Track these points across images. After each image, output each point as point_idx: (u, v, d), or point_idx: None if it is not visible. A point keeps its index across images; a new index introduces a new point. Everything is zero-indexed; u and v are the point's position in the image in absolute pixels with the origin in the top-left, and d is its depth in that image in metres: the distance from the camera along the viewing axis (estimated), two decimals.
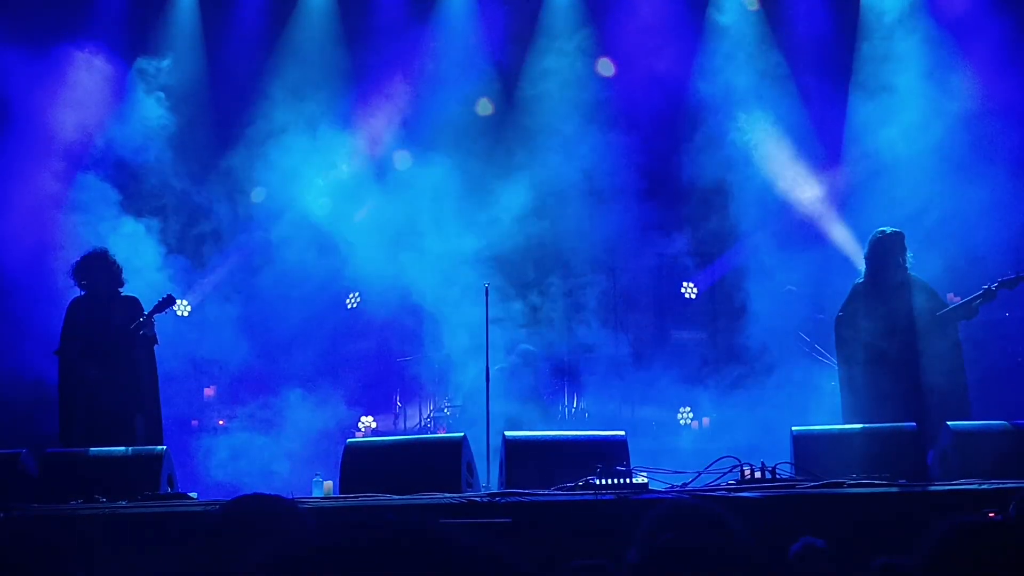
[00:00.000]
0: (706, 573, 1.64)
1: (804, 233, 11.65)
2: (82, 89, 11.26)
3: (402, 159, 12.01)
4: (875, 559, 2.80)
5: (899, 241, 8.25)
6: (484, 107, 12.35)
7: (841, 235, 11.43)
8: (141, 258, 10.13)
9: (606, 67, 12.26)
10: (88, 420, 8.15)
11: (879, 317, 8.21)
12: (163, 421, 8.61)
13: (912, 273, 8.35)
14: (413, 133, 12.00)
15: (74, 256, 8.70)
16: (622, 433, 7.32)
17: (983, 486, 6.05)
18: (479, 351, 9.32)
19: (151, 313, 8.26)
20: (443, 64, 12.26)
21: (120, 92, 11.57)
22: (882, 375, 8.12)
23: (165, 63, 11.61)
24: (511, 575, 1.35)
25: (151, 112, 11.50)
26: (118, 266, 8.46)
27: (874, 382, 8.12)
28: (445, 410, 11.21)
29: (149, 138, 11.50)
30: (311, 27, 12.53)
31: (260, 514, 2.57)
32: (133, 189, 11.17)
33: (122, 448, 7.64)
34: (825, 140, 11.87)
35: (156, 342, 8.42)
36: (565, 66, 12.19)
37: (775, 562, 4.13)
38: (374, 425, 11.03)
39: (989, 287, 8.08)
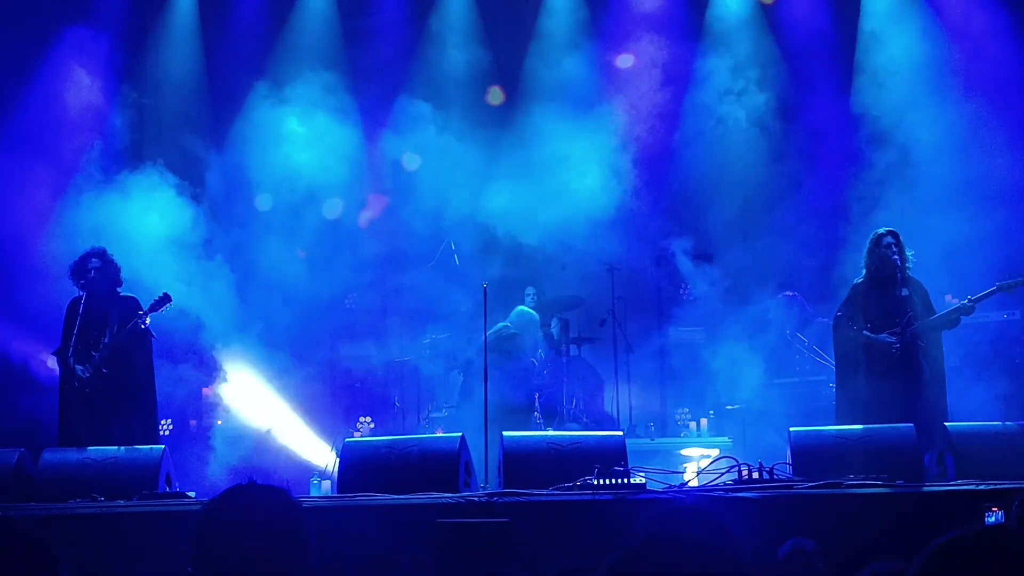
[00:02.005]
0: (689, 569, 1.63)
1: (805, 235, 11.66)
2: (78, 81, 11.27)
3: (410, 160, 12.05)
4: (868, 563, 2.79)
5: (896, 240, 8.28)
6: (495, 96, 12.41)
7: (843, 237, 11.44)
8: (139, 256, 10.12)
9: (624, 61, 12.28)
10: (85, 420, 8.17)
11: (877, 317, 8.25)
12: (159, 420, 8.62)
13: (911, 274, 8.37)
14: (415, 125, 12.04)
15: (72, 254, 8.70)
16: (620, 433, 7.33)
17: (980, 487, 6.06)
18: None
19: (147, 312, 8.27)
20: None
21: (116, 86, 11.59)
22: (878, 375, 8.18)
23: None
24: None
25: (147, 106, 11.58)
26: (116, 265, 8.45)
27: (870, 382, 8.18)
28: (444, 411, 11.20)
29: (146, 132, 11.54)
30: (310, 23, 12.56)
31: (254, 506, 2.55)
32: (131, 184, 11.16)
33: (120, 448, 7.64)
34: (829, 138, 11.88)
35: (153, 335, 8.43)
36: (566, 62, 12.24)
37: (770, 563, 4.13)
38: (372, 425, 11.03)
39: (967, 301, 8.17)
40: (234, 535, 2.47)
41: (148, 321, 8.29)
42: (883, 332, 8.20)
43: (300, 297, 11.71)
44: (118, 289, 8.45)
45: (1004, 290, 8.19)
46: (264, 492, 2.61)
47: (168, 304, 8.42)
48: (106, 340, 8.23)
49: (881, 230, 8.43)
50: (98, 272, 8.32)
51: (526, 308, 10.83)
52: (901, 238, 8.34)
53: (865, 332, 8.24)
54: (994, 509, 5.31)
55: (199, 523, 2.59)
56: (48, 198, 10.84)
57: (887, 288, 8.27)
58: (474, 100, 12.27)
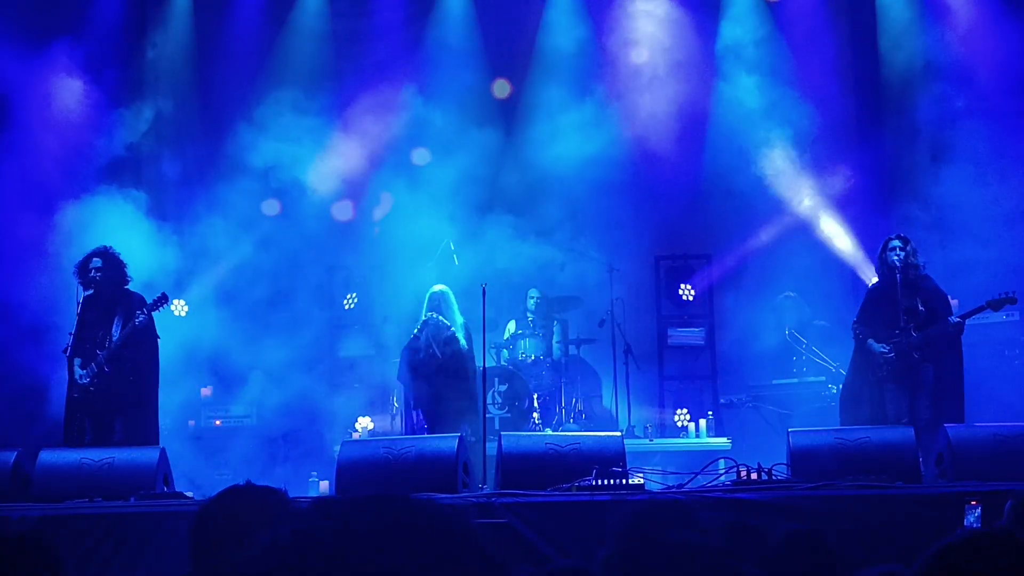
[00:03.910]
0: (672, 569, 1.63)
1: (807, 237, 11.66)
2: (74, 85, 11.27)
3: (421, 155, 12.07)
4: (866, 566, 2.77)
5: (903, 246, 8.34)
6: (501, 88, 12.42)
7: (846, 242, 11.47)
8: (139, 255, 10.13)
9: (637, 55, 12.29)
10: (89, 419, 8.22)
11: (882, 324, 8.37)
12: (159, 420, 8.65)
13: (926, 275, 8.47)
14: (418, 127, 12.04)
15: (70, 253, 8.73)
16: (619, 434, 7.33)
17: (979, 488, 6.05)
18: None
19: (145, 310, 8.33)
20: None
21: (114, 89, 11.60)
22: (876, 381, 8.32)
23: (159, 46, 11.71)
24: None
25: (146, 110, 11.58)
26: (121, 263, 8.49)
27: (870, 388, 8.32)
28: None
29: (145, 134, 11.55)
30: (307, 25, 12.57)
31: (248, 507, 2.55)
32: (131, 184, 11.17)
33: (118, 447, 7.65)
34: (832, 139, 11.89)
35: (157, 336, 8.47)
36: (569, 61, 12.24)
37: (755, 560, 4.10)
38: (371, 426, 11.02)
39: (954, 319, 8.28)
40: (230, 534, 2.47)
41: (144, 318, 8.31)
42: (885, 339, 8.29)
43: (300, 297, 11.72)
44: (126, 287, 8.49)
45: (992, 307, 8.31)
46: (260, 492, 2.62)
47: (166, 303, 8.46)
48: (110, 338, 8.27)
49: (892, 235, 8.52)
50: (100, 271, 8.36)
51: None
52: (911, 243, 8.40)
53: (870, 340, 8.37)
54: (973, 503, 5.30)
55: (196, 523, 2.59)
56: (42, 198, 10.86)
57: (894, 294, 8.32)
58: (474, 96, 12.26)
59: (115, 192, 10.82)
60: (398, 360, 9.89)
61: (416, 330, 9.13)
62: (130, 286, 8.56)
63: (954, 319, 8.27)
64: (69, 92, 11.23)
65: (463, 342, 9.20)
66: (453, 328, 9.19)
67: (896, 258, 8.28)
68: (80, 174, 11.00)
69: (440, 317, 9.19)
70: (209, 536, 2.55)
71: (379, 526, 1.34)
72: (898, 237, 8.44)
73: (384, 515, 1.35)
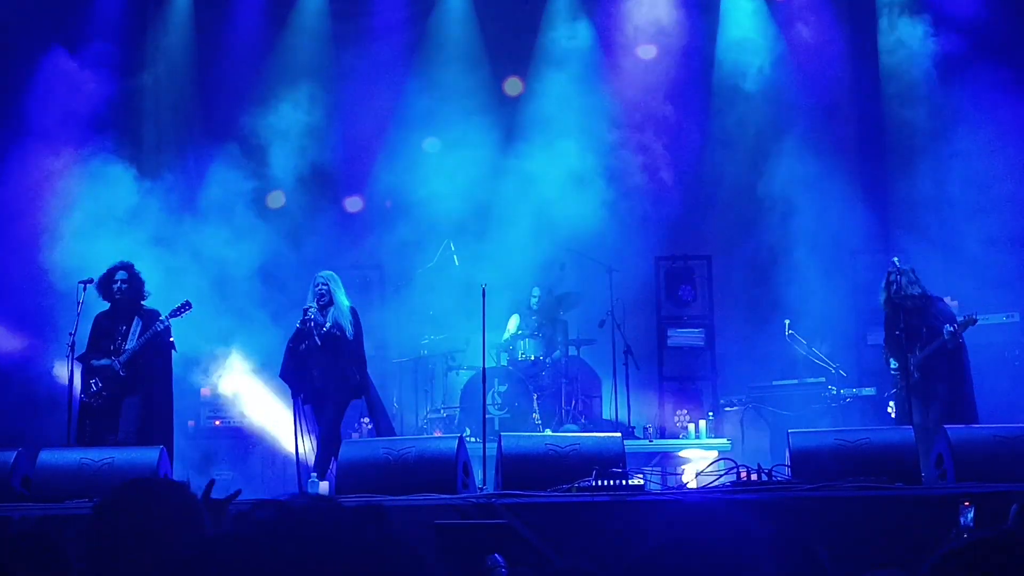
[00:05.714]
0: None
1: (807, 236, 11.65)
2: (73, 77, 11.29)
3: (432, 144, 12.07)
4: (866, 567, 2.77)
5: (898, 270, 8.67)
6: (513, 86, 12.45)
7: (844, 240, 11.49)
8: (142, 258, 10.14)
9: (647, 51, 12.30)
10: (99, 423, 8.28)
11: (893, 344, 8.75)
12: (172, 425, 8.71)
13: (934, 297, 8.84)
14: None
15: (73, 258, 8.79)
16: (618, 435, 7.33)
17: (979, 490, 6.05)
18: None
19: (168, 316, 8.46)
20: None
21: (114, 85, 11.61)
22: (896, 395, 8.90)
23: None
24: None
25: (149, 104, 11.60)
26: (141, 280, 8.61)
27: (898, 397, 8.83)
28: (442, 412, 11.19)
29: (145, 127, 11.57)
30: (306, 26, 12.58)
31: (151, 504, 2.42)
32: (132, 182, 11.17)
33: (116, 448, 7.66)
34: (833, 137, 11.88)
35: (174, 348, 8.54)
36: (572, 59, 12.24)
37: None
38: (371, 426, 11.02)
39: (946, 337, 8.55)
40: (132, 534, 2.37)
41: (169, 323, 8.45)
42: (900, 351, 8.67)
43: (299, 297, 11.69)
44: (143, 303, 8.56)
45: (959, 328, 8.53)
46: (163, 487, 2.51)
47: (188, 310, 8.55)
48: (125, 347, 8.35)
49: (897, 265, 8.80)
50: (125, 283, 8.44)
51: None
52: (899, 267, 8.70)
53: (890, 357, 8.89)
54: (967, 504, 5.31)
55: (93, 519, 2.46)
56: (42, 198, 10.86)
57: (898, 315, 8.62)
58: (474, 93, 12.25)
59: (108, 171, 10.84)
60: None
61: (299, 322, 8.81)
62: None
63: (946, 337, 8.51)
64: (63, 68, 11.24)
65: (348, 328, 8.64)
66: (336, 314, 8.63)
67: (894, 289, 8.65)
68: (72, 151, 11.00)
69: (330, 299, 8.68)
70: (108, 534, 2.41)
71: (301, 533, 1.33)
72: (895, 262, 8.76)
73: (308, 521, 1.35)
